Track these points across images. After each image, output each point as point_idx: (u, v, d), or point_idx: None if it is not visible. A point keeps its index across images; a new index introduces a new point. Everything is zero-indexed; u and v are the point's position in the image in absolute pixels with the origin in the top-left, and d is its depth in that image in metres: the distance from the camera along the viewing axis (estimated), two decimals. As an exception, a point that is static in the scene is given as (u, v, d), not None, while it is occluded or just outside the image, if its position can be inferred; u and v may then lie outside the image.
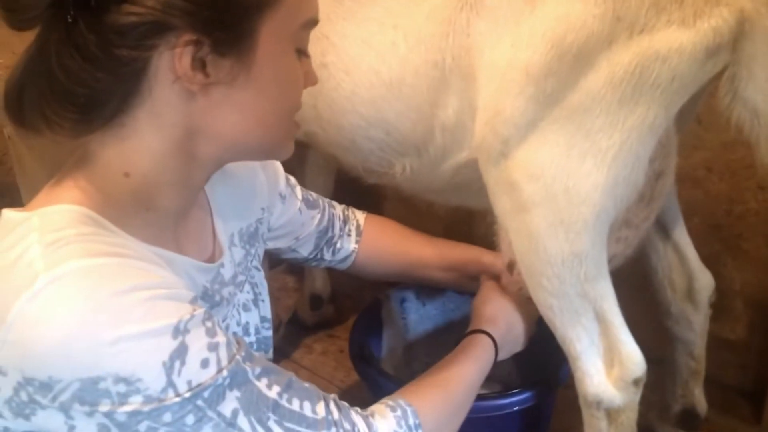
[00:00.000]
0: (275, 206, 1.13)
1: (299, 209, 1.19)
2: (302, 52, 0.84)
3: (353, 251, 1.27)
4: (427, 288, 1.45)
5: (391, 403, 0.89)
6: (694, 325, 1.28)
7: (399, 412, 0.87)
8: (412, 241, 1.30)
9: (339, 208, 1.28)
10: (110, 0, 0.69)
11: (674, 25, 0.91)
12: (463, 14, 1.06)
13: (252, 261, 1.07)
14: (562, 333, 1.06)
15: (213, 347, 0.73)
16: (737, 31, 0.91)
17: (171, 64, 0.73)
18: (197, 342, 0.71)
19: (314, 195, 1.24)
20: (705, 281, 1.27)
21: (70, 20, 0.70)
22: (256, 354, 0.81)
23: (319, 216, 1.22)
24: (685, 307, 1.27)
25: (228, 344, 0.75)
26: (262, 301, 1.08)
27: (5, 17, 0.71)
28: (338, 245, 1.26)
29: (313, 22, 0.83)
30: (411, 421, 0.87)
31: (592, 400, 1.06)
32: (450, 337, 1.48)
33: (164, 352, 0.68)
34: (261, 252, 1.11)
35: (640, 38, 0.92)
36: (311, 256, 1.25)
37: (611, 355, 1.05)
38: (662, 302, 1.28)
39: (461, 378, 1.00)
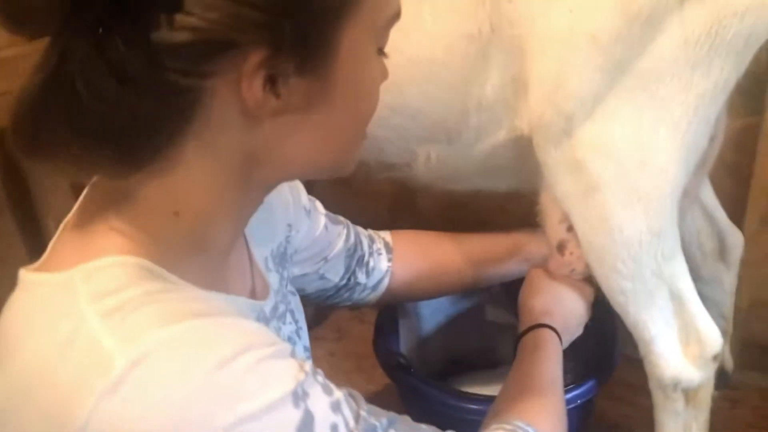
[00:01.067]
0: (302, 222, 0.98)
1: (325, 225, 1.03)
2: (382, 51, 0.71)
3: (387, 270, 1.12)
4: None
5: (508, 426, 0.80)
6: (725, 285, 1.27)
7: None
8: (436, 243, 1.19)
9: (359, 227, 1.13)
10: (156, 8, 0.53)
11: (752, -24, 0.85)
12: (502, -22, 0.96)
13: (287, 286, 0.94)
14: (634, 317, 1.00)
15: (336, 407, 0.62)
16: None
17: (236, 88, 0.59)
18: (320, 405, 0.60)
19: (330, 212, 1.10)
20: (735, 239, 1.25)
21: (101, 31, 0.53)
22: (366, 402, 0.69)
23: (345, 232, 1.07)
24: (717, 268, 1.25)
25: (347, 399, 0.64)
26: (302, 329, 0.95)
27: (5, 23, 0.54)
28: (371, 264, 1.11)
29: (398, 15, 0.69)
30: None
31: (670, 382, 1.01)
32: (461, 326, 1.42)
33: (290, 426, 0.56)
34: (291, 275, 0.97)
35: (715, -5, 0.86)
36: (343, 283, 1.08)
37: (687, 333, 1.00)
38: (692, 267, 1.25)
39: (548, 377, 0.93)
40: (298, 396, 0.57)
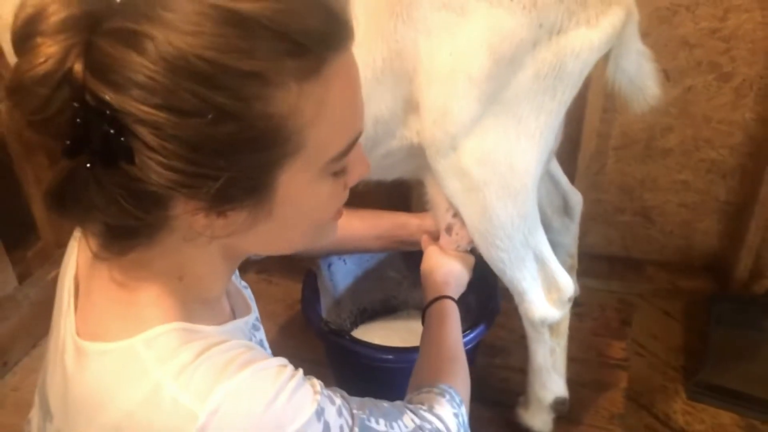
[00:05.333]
0: None
1: None
2: (342, 171, 0.79)
3: None
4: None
5: (435, 389, 1.02)
6: (570, 232, 1.61)
7: (447, 396, 1.01)
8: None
9: None
10: (118, 159, 0.65)
11: (582, 25, 1.12)
12: (391, 22, 1.16)
13: (240, 281, 1.10)
14: (510, 276, 1.30)
15: (339, 412, 0.79)
16: (625, 22, 1.15)
17: (183, 212, 0.70)
18: (331, 414, 0.78)
19: None
20: (576, 199, 1.58)
21: (88, 165, 0.65)
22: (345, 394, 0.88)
23: None
24: (563, 221, 1.59)
25: (343, 403, 0.83)
26: (258, 319, 1.09)
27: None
28: None
29: (351, 146, 0.76)
30: (456, 399, 1.02)
31: (539, 321, 1.34)
32: (367, 283, 1.70)
33: None
34: None
35: (557, 38, 1.12)
36: None
37: (548, 284, 1.32)
38: (545, 221, 1.57)
39: (456, 344, 1.17)
40: (320, 413, 0.77)
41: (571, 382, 1.50)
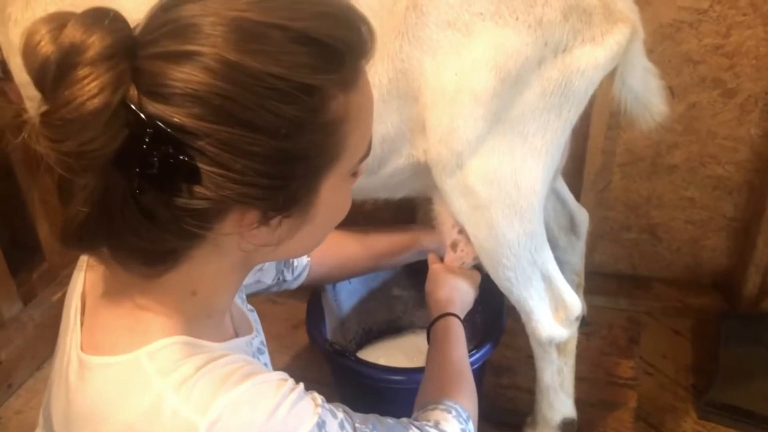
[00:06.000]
0: None
1: None
2: (359, 170, 0.83)
3: (307, 265, 1.33)
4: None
5: (441, 406, 1.02)
6: (577, 250, 1.60)
7: (453, 413, 1.01)
8: (345, 244, 1.40)
9: None
10: (180, 180, 0.66)
11: (587, 43, 1.12)
12: (396, 42, 1.16)
13: (246, 304, 1.11)
14: (517, 296, 1.29)
15: (342, 426, 0.79)
16: (630, 39, 1.14)
17: (237, 225, 0.73)
18: (332, 428, 0.78)
19: None
20: (582, 217, 1.57)
21: (137, 190, 0.66)
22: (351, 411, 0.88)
23: None
24: (569, 239, 1.58)
25: (345, 417, 0.82)
26: (262, 336, 1.10)
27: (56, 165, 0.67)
28: (295, 263, 1.31)
29: (369, 152, 0.81)
30: (463, 415, 1.02)
31: (546, 340, 1.32)
32: (372, 303, 1.69)
33: None
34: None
35: (563, 57, 1.12)
36: (273, 283, 1.28)
37: (556, 303, 1.31)
38: (551, 239, 1.56)
39: (460, 360, 1.17)
40: (321, 425, 0.77)
41: (580, 402, 1.48)
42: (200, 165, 0.66)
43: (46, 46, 0.64)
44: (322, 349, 1.43)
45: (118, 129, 0.63)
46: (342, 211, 0.84)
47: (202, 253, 0.76)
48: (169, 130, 0.64)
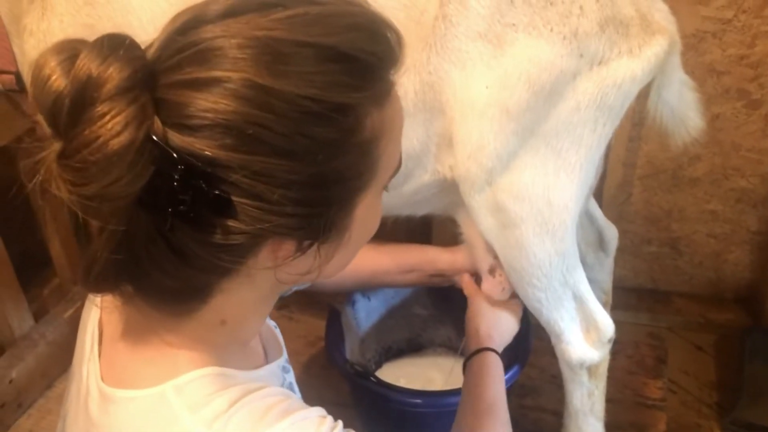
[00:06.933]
0: None
1: None
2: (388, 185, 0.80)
3: None
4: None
5: None
6: (605, 268, 1.56)
7: None
8: (366, 254, 1.37)
9: None
10: (213, 216, 0.62)
11: (624, 55, 1.08)
12: (424, 53, 1.12)
13: (270, 320, 1.08)
14: (547, 317, 1.25)
15: None
16: (668, 52, 1.11)
17: (273, 257, 0.69)
18: None
19: None
20: (611, 232, 1.53)
21: (168, 229, 0.62)
22: None
23: None
24: (598, 256, 1.53)
25: None
26: (287, 360, 1.06)
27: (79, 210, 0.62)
28: None
29: (401, 162, 0.79)
30: None
31: (577, 363, 1.28)
32: (392, 321, 1.65)
33: None
34: None
35: (599, 69, 1.08)
36: (302, 288, 1.22)
37: (587, 324, 1.26)
38: (579, 256, 1.52)
39: (495, 398, 1.13)
40: None
41: (608, 425, 1.43)
42: (234, 198, 0.61)
43: (58, 80, 0.59)
44: (342, 369, 1.38)
45: (144, 166, 0.58)
46: (374, 227, 0.80)
47: (234, 285, 0.71)
48: (200, 164, 0.59)
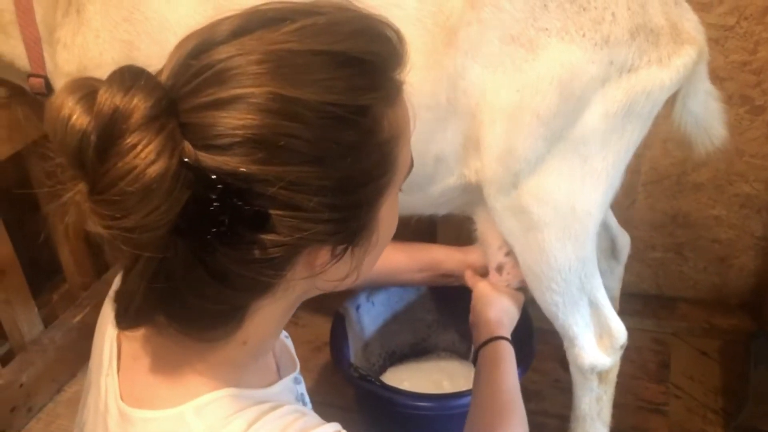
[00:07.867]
0: None
1: None
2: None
3: None
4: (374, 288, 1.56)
5: None
6: (616, 275, 1.57)
7: None
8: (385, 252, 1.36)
9: None
10: (253, 233, 0.62)
11: (654, 64, 1.08)
12: (453, 57, 1.11)
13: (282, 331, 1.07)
14: (562, 321, 1.25)
15: None
16: (697, 62, 1.11)
17: (309, 266, 0.69)
18: None
19: None
20: (624, 241, 1.54)
21: (206, 251, 0.62)
22: None
23: None
24: (610, 263, 1.54)
25: None
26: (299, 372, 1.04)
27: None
28: None
29: (413, 164, 0.78)
30: None
31: (588, 368, 1.28)
32: (396, 326, 1.65)
33: None
34: None
35: (628, 77, 1.08)
36: None
37: (601, 330, 1.27)
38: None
39: (512, 388, 1.12)
40: None
41: (610, 429, 1.43)
42: (272, 212, 0.62)
43: (81, 118, 0.58)
44: (346, 373, 1.38)
45: (181, 191, 0.58)
46: (395, 227, 0.81)
47: (268, 301, 0.71)
48: (236, 182, 0.59)
